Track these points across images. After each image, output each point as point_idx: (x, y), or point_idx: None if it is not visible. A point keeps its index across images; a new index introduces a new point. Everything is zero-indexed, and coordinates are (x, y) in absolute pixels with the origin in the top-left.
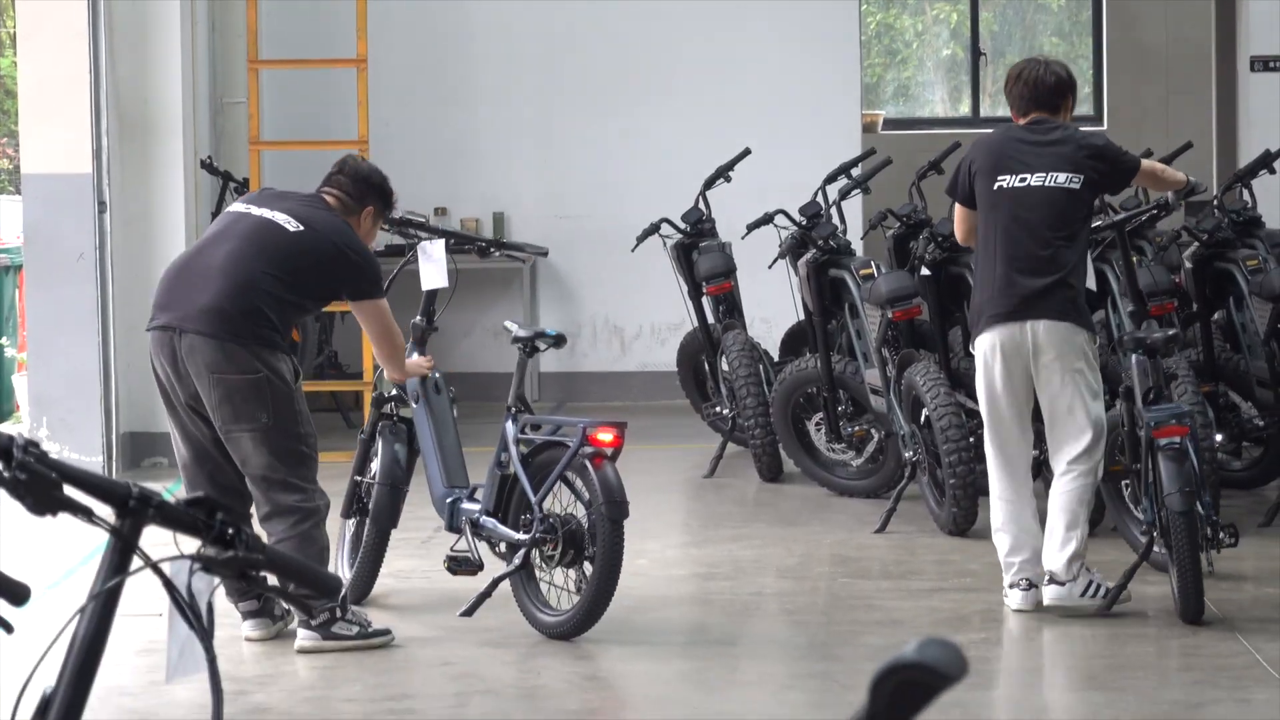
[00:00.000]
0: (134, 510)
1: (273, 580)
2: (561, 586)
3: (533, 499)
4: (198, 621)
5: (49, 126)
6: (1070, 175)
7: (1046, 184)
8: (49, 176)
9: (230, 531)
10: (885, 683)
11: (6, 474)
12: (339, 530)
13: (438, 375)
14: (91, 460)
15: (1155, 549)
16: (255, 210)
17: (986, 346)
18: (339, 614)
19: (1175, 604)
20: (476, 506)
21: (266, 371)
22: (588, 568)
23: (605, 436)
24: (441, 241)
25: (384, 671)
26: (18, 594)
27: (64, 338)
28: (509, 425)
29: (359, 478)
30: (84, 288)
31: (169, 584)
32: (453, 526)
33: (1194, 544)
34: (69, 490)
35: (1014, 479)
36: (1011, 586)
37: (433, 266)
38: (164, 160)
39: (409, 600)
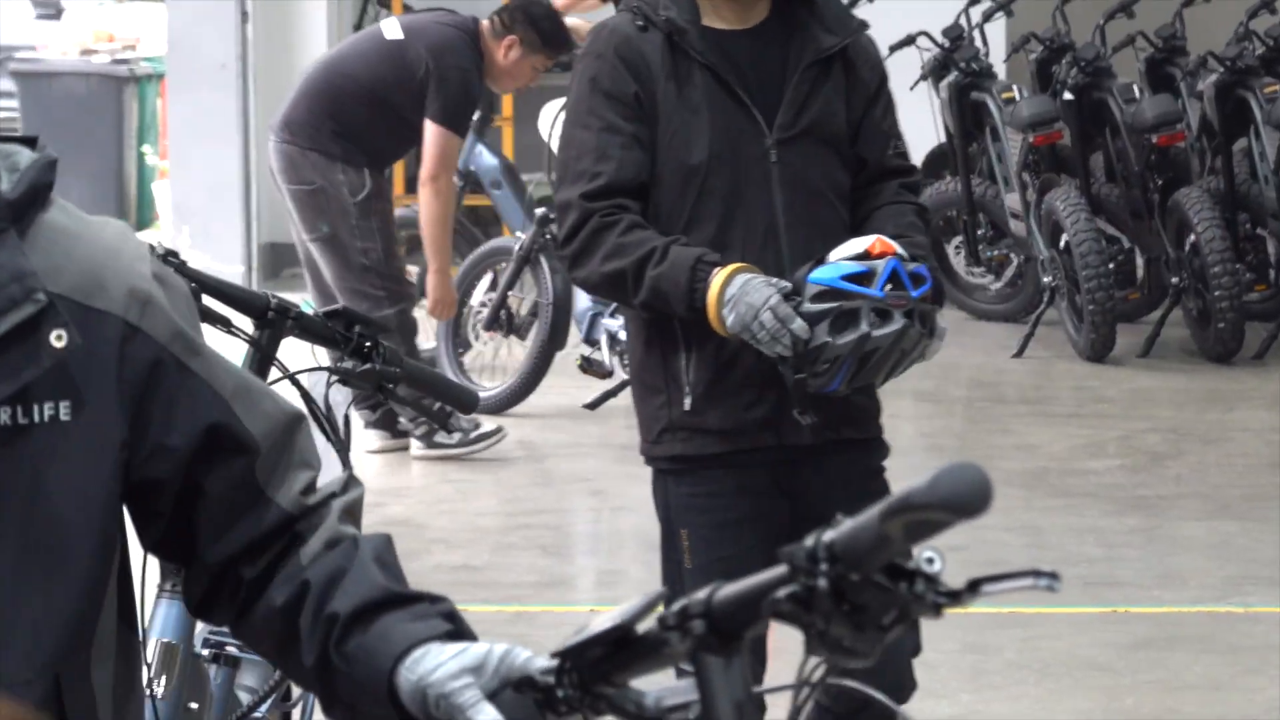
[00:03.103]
0: (273, 321)
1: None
2: None
3: None
4: (334, 434)
5: None
6: None
7: None
8: None
9: (368, 344)
10: (894, 518)
11: None
12: (438, 344)
13: None
14: (231, 270)
15: None
16: (381, 22)
17: None
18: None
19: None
20: (618, 322)
21: (323, 183)
22: None
23: None
24: None
25: (520, 486)
26: None
27: (205, 147)
28: None
29: (510, 293)
30: (225, 97)
31: (306, 396)
32: (589, 339)
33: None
34: (208, 300)
35: None
36: None
37: None
38: None
39: (546, 413)
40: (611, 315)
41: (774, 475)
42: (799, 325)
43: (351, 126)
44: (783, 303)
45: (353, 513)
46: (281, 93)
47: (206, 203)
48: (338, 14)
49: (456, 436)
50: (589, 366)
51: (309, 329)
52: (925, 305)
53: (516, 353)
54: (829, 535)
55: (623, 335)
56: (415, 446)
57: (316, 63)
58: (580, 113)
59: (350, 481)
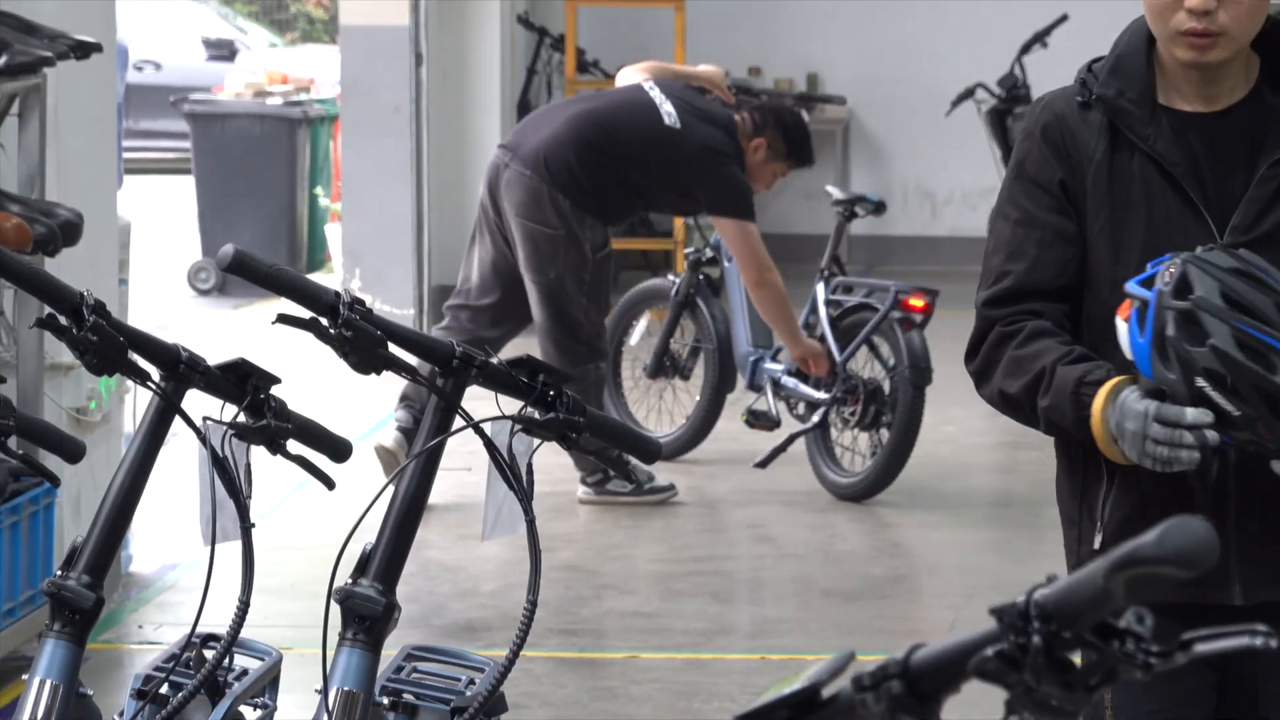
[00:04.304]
0: (457, 370)
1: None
2: (854, 449)
3: (837, 357)
4: (518, 483)
5: None
6: None
7: None
8: (367, 28)
9: (552, 394)
10: (1120, 573)
11: (332, 331)
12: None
13: None
14: (403, 314)
15: None
16: (649, 90)
17: None
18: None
19: None
20: (779, 367)
21: (567, 231)
22: (884, 433)
23: (917, 302)
24: None
25: (689, 532)
26: (340, 450)
27: (378, 190)
28: (819, 287)
29: (670, 340)
30: (399, 140)
31: (490, 445)
32: (753, 384)
33: None
34: (393, 348)
35: None
36: None
37: None
38: (481, 14)
39: (714, 459)
40: (773, 359)
41: None
42: (1193, 413)
43: (605, 190)
44: (1164, 405)
45: None
46: (456, 136)
47: (378, 245)
48: (511, 58)
49: (629, 485)
50: (755, 420)
51: (493, 377)
52: None
53: (682, 397)
54: (1041, 593)
55: (786, 381)
56: (582, 491)
57: (589, 113)
58: (1003, 200)
59: None
